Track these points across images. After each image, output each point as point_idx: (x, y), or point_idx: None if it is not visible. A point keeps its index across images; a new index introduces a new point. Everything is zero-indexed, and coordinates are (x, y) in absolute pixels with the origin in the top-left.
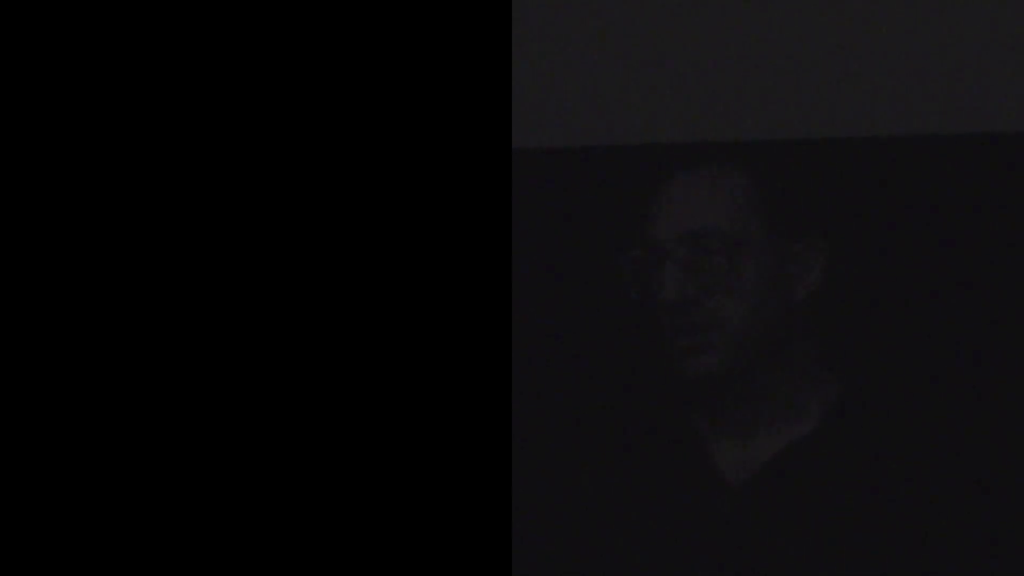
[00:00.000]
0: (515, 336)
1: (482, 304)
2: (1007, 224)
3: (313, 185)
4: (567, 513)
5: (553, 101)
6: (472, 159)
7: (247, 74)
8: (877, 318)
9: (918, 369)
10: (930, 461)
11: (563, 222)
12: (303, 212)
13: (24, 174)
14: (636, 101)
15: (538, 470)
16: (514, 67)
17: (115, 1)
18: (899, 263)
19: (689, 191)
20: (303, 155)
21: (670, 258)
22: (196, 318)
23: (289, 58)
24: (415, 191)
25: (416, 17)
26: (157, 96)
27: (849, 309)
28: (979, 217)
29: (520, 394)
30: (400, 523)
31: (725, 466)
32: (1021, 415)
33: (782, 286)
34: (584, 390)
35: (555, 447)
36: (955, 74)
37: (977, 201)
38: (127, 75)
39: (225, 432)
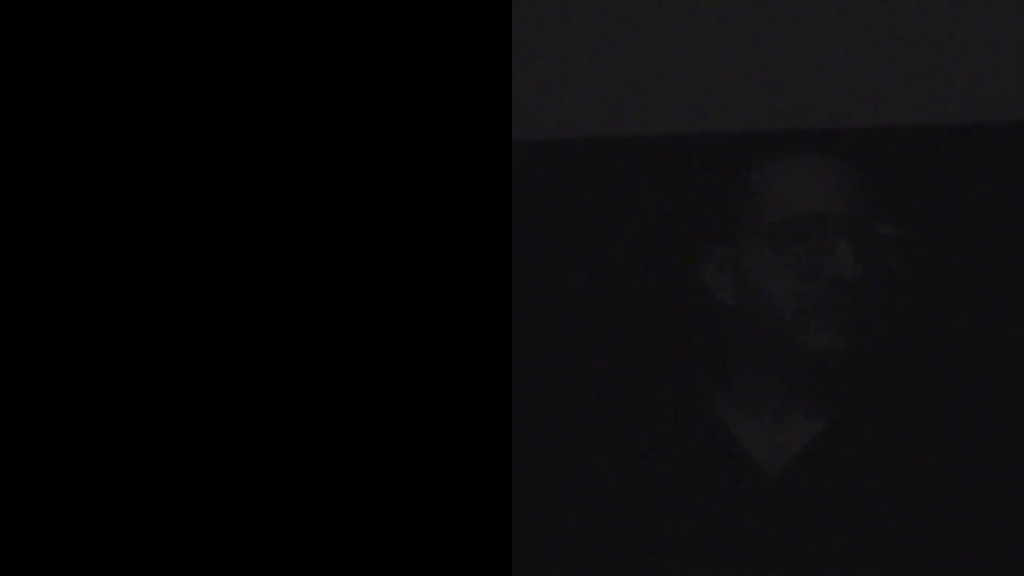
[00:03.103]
0: (515, 328)
1: (482, 296)
2: None
3: (312, 178)
4: (604, 503)
5: (553, 93)
6: (472, 151)
7: (248, 64)
8: (921, 304)
9: (950, 359)
10: (955, 449)
11: (563, 214)
12: (301, 201)
13: (24, 174)
14: (635, 92)
15: (568, 463)
16: (514, 58)
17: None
18: (972, 252)
19: (833, 175)
20: (301, 146)
21: (842, 236)
22: (195, 317)
23: (287, 49)
24: (415, 184)
25: (416, 7)
26: (157, 96)
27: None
28: None
29: (522, 387)
30: (400, 523)
31: (759, 455)
32: None
33: (882, 275)
34: (594, 384)
35: (580, 440)
36: None
37: None
38: (127, 75)
39: (225, 431)
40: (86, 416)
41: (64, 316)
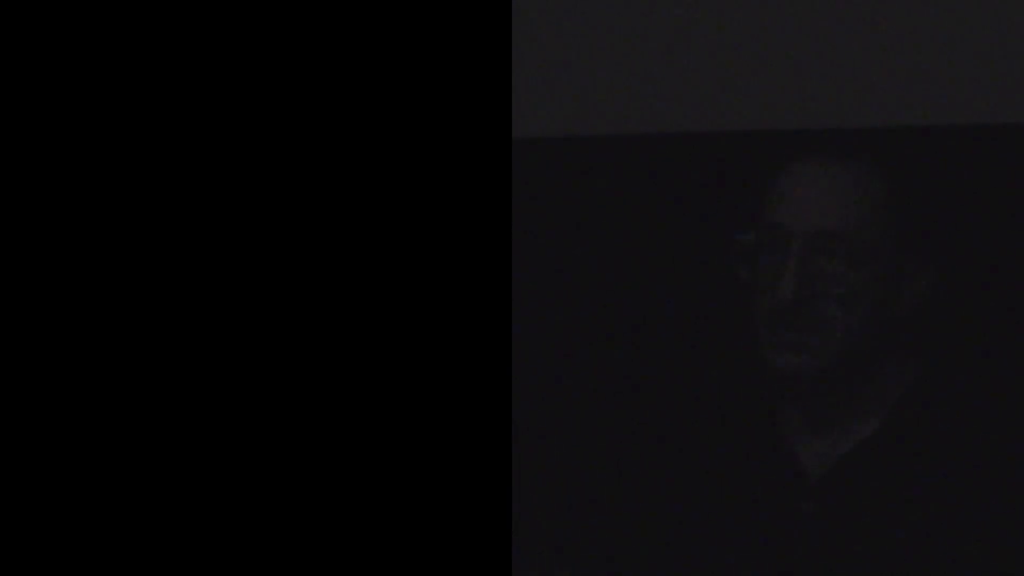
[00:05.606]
0: (516, 328)
1: (482, 295)
2: None
3: (312, 175)
4: (655, 501)
5: (553, 90)
6: (472, 149)
7: (248, 62)
8: (956, 310)
9: (987, 368)
10: (994, 456)
11: (563, 212)
12: (301, 199)
13: (24, 174)
14: (636, 90)
15: (612, 461)
16: (514, 56)
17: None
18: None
19: (825, 184)
20: (301, 144)
21: (794, 256)
22: (195, 318)
23: (287, 47)
24: (415, 181)
25: (416, 5)
26: (157, 96)
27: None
28: None
29: (522, 387)
30: (400, 523)
31: (806, 460)
32: None
33: (892, 297)
34: (593, 380)
35: (583, 439)
36: None
37: None
38: (127, 75)
39: (225, 432)
40: (86, 415)
41: (64, 316)
